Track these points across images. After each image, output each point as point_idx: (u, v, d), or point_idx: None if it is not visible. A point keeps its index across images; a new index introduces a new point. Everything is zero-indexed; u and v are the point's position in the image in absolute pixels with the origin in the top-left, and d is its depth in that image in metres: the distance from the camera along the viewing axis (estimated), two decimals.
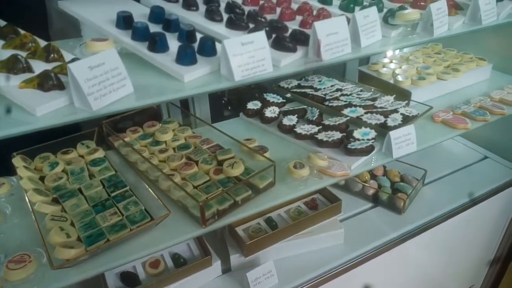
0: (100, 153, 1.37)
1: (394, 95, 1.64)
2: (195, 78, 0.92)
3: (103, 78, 0.78)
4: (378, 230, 1.64)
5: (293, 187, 1.22)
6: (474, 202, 1.86)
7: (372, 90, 1.75)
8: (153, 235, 1.08)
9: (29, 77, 0.82)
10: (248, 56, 0.90)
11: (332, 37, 0.99)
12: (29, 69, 0.85)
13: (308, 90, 1.74)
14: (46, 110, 0.76)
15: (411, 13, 1.12)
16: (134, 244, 1.05)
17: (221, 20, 1.12)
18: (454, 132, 1.50)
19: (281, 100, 1.69)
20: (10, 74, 0.83)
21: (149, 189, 1.18)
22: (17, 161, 1.27)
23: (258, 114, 1.62)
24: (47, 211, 1.10)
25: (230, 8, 1.17)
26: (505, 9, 1.35)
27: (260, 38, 0.92)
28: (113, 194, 1.17)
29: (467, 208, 1.83)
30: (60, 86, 0.80)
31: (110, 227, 1.04)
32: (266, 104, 1.66)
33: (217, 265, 1.39)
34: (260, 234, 1.43)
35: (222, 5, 1.23)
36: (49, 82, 0.79)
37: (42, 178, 1.26)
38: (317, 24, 0.96)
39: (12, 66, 0.83)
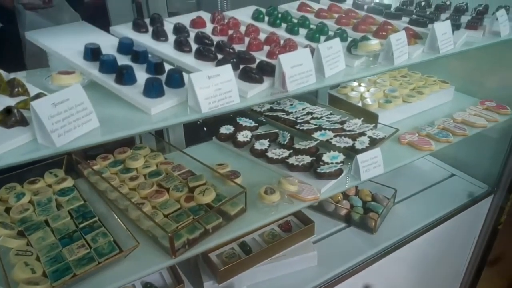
0: (68, 182, 1.34)
1: (362, 118, 1.70)
2: (163, 110, 0.93)
3: (68, 114, 0.78)
4: (351, 250, 1.67)
5: (265, 212, 1.23)
6: (444, 218, 1.92)
7: (341, 113, 1.81)
8: (122, 267, 1.06)
9: None
10: (214, 88, 0.92)
11: (297, 69, 1.03)
12: None
13: (280, 114, 1.78)
14: (8, 148, 0.75)
15: (373, 44, 1.17)
16: (102, 277, 1.03)
17: (190, 51, 1.14)
18: (420, 154, 1.55)
19: (253, 124, 1.72)
20: None
21: (118, 219, 1.17)
22: None
23: (231, 138, 1.64)
24: (12, 245, 1.07)
25: (199, 38, 1.20)
26: (461, 37, 1.43)
27: (226, 71, 0.94)
28: (81, 226, 1.15)
29: (437, 225, 1.89)
30: (23, 122, 0.80)
31: (77, 261, 1.02)
32: (238, 128, 1.68)
33: None
34: (234, 259, 1.43)
35: (192, 35, 1.25)
36: (11, 119, 0.78)
37: (8, 209, 1.23)
38: (282, 57, 1.00)
39: None
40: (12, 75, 1.00)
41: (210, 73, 0.92)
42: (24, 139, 0.78)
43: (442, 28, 1.30)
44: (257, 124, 1.74)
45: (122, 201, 1.25)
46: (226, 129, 1.67)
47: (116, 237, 1.12)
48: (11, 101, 0.88)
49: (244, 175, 1.43)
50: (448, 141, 1.61)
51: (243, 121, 1.71)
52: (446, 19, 1.56)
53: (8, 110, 0.79)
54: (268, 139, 1.58)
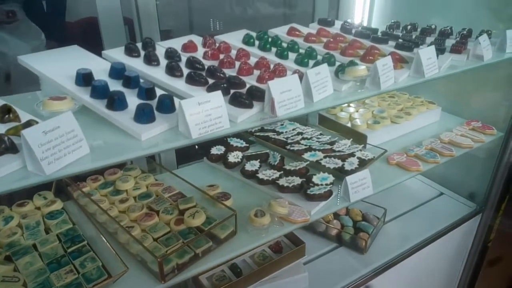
0: (58, 205, 1.34)
1: (351, 139, 1.72)
2: (153, 136, 0.94)
3: (58, 141, 0.78)
4: (342, 271, 1.67)
5: (255, 235, 1.23)
6: (433, 238, 1.94)
7: (331, 133, 1.83)
8: None
9: None
10: (205, 114, 0.94)
11: (286, 94, 1.05)
12: None
13: (270, 134, 1.80)
14: None
15: (360, 70, 1.20)
16: None
17: (181, 76, 1.16)
18: (408, 175, 1.58)
19: (244, 144, 1.73)
20: None
21: (107, 243, 1.16)
22: None
23: (222, 159, 1.65)
24: None
25: (190, 63, 1.22)
26: (446, 61, 1.48)
27: (217, 97, 0.96)
28: (69, 250, 1.14)
29: (427, 244, 1.91)
30: (14, 150, 0.80)
31: (65, 287, 1.01)
32: (229, 148, 1.70)
33: None
34: (224, 282, 1.42)
35: (183, 59, 1.28)
36: (1, 146, 0.79)
37: None
38: (271, 83, 1.02)
39: None
40: (2, 99, 1.01)
41: (200, 99, 0.93)
42: (14, 167, 0.78)
43: (427, 53, 1.34)
44: (248, 145, 1.75)
45: (111, 224, 1.24)
46: (217, 150, 1.68)
47: (105, 261, 1.11)
48: (1, 127, 0.88)
49: (234, 196, 1.43)
50: (436, 161, 1.64)
51: (234, 142, 1.72)
52: (431, 43, 1.61)
53: None
54: (259, 160, 1.59)
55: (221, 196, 1.41)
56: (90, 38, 1.72)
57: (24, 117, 0.93)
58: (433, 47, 1.38)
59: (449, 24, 1.85)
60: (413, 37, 1.72)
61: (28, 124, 0.85)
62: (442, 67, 1.43)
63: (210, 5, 2.20)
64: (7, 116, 0.90)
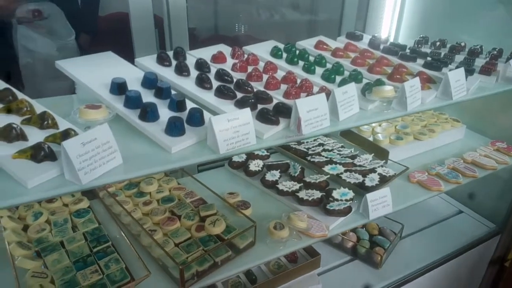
0: (84, 203, 1.39)
1: (373, 154, 1.72)
2: (182, 149, 0.97)
3: (94, 153, 0.82)
4: (355, 284, 1.68)
5: (273, 247, 1.26)
6: (450, 256, 1.92)
7: (352, 146, 1.83)
8: None
9: (23, 145, 0.86)
10: (233, 131, 0.96)
11: (312, 113, 1.07)
12: (23, 137, 0.89)
13: (291, 143, 1.82)
14: (37, 182, 0.80)
15: (387, 91, 1.20)
16: None
17: (210, 88, 1.19)
18: (429, 194, 1.57)
19: (265, 153, 1.76)
20: (5, 142, 0.87)
21: (131, 246, 1.20)
22: (2, 210, 1.28)
23: (243, 167, 1.67)
24: (28, 266, 1.11)
25: (220, 76, 1.25)
26: (474, 83, 1.46)
27: (245, 114, 0.98)
28: (95, 250, 1.19)
29: (443, 263, 1.89)
30: (52, 157, 0.84)
31: (90, 287, 1.06)
32: (251, 156, 1.72)
33: None
34: None
35: (213, 70, 1.31)
36: (41, 154, 0.83)
37: (25, 227, 1.28)
38: (299, 102, 1.03)
39: (7, 135, 0.87)
40: (38, 101, 1.05)
41: (229, 116, 0.96)
42: (52, 174, 0.82)
43: (456, 75, 1.33)
44: (268, 154, 1.77)
45: (135, 227, 1.29)
46: (238, 157, 1.71)
47: (127, 263, 1.15)
48: (41, 133, 0.93)
49: (254, 205, 1.46)
50: (458, 182, 1.62)
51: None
52: (461, 62, 1.60)
53: (38, 146, 0.84)
54: (279, 170, 1.61)
55: (241, 204, 1.44)
56: (120, 34, 1.77)
57: (61, 123, 0.98)
58: (462, 69, 1.37)
59: (478, 40, 1.83)
60: (442, 54, 1.71)
61: (67, 133, 0.89)
62: (471, 89, 1.42)
63: (236, 8, 2.24)
64: (46, 122, 0.95)
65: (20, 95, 1.04)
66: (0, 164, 0.83)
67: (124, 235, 1.26)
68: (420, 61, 1.58)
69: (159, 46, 1.80)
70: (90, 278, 1.08)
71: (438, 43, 1.84)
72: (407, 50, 1.67)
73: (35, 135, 0.92)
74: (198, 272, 1.13)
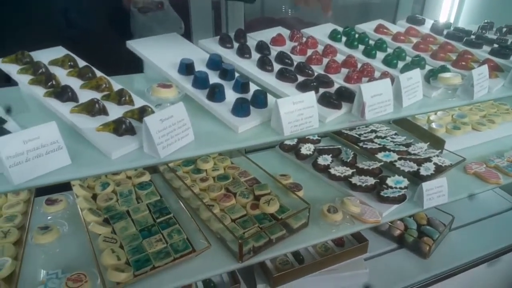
0: (146, 177, 1.47)
1: (428, 143, 1.68)
2: (248, 129, 1.00)
3: (171, 129, 0.88)
4: (401, 273, 1.68)
5: (326, 229, 1.28)
6: (501, 252, 1.86)
7: (406, 134, 1.80)
8: (191, 265, 1.16)
9: (104, 119, 0.93)
10: (297, 113, 0.98)
11: (376, 98, 1.06)
12: (104, 111, 0.96)
13: (343, 129, 1.81)
14: (120, 154, 0.86)
15: (453, 78, 1.17)
16: (173, 271, 1.13)
17: (271, 70, 1.21)
18: (486, 186, 1.53)
19: (316, 137, 1.77)
20: (89, 116, 0.94)
21: (192, 218, 1.27)
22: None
23: (294, 150, 1.70)
24: (99, 232, 1.20)
25: (280, 58, 1.26)
26: None
27: (309, 97, 1.00)
28: (158, 220, 1.27)
29: (493, 258, 1.84)
30: (132, 132, 0.90)
31: (156, 254, 1.14)
32: (302, 140, 1.74)
33: None
34: (287, 267, 1.50)
35: (273, 53, 1.32)
36: (123, 128, 0.89)
37: (94, 196, 1.38)
38: (364, 87, 1.03)
39: (91, 109, 0.94)
40: (113, 79, 1.12)
41: (295, 99, 0.98)
42: (132, 147, 0.88)
43: None
44: (319, 138, 1.78)
45: (194, 201, 1.36)
46: (290, 140, 1.73)
47: (187, 234, 1.22)
48: (118, 109, 0.99)
49: (305, 188, 1.48)
50: None
51: None
52: None
53: (120, 120, 0.90)
54: (331, 155, 1.62)
55: (293, 186, 1.47)
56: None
57: (136, 101, 1.04)
58: None
59: None
60: (509, 41, 1.61)
61: (143, 109, 0.95)
62: None
63: None
64: (123, 99, 1.01)
65: (98, 73, 1.11)
66: (86, 136, 0.90)
67: (184, 208, 1.33)
68: (486, 47, 1.51)
69: (215, 28, 1.83)
70: (155, 246, 1.16)
71: (504, 29, 1.74)
72: (472, 36, 1.60)
73: (114, 111, 0.98)
74: (254, 247, 1.18)
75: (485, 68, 1.22)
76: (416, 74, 1.15)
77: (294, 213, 1.26)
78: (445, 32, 1.58)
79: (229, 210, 1.31)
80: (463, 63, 1.35)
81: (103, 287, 1.01)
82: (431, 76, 1.23)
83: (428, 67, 1.33)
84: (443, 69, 1.26)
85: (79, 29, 1.67)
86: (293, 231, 1.26)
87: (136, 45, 1.25)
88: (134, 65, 1.30)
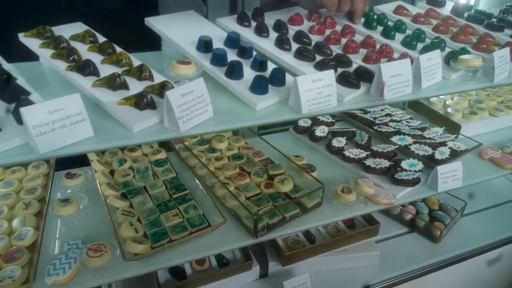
0: (162, 155, 1.50)
1: (444, 127, 1.67)
2: (266, 107, 1.01)
3: (191, 104, 0.89)
4: (412, 256, 1.69)
5: (339, 209, 1.29)
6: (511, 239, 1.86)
7: (422, 119, 1.79)
8: (206, 239, 1.19)
9: (125, 94, 0.95)
10: (316, 92, 0.98)
11: (396, 78, 1.05)
12: (125, 86, 0.97)
13: (357, 112, 1.80)
14: (141, 127, 0.88)
15: (474, 60, 1.15)
16: (189, 245, 1.16)
17: (289, 49, 1.21)
18: (501, 172, 1.52)
19: (330, 119, 1.76)
20: (110, 90, 0.96)
21: (208, 195, 1.29)
22: (92, 154, 1.42)
23: (308, 132, 1.70)
24: (117, 205, 1.23)
25: (298, 37, 1.25)
26: None
27: (329, 76, 0.99)
28: (174, 196, 1.30)
29: (504, 244, 1.84)
30: (153, 106, 0.92)
31: (173, 228, 1.16)
32: (316, 122, 1.74)
33: (256, 270, 1.49)
34: (298, 246, 1.52)
35: (291, 32, 1.31)
36: (144, 102, 0.91)
37: (111, 172, 1.41)
38: (383, 67, 1.03)
39: (112, 83, 0.96)
40: (133, 55, 1.13)
41: (314, 77, 0.98)
42: (153, 121, 0.90)
43: None
44: (334, 120, 1.78)
45: (209, 178, 1.38)
46: (304, 122, 1.73)
47: (203, 210, 1.25)
48: (139, 84, 1.01)
49: (319, 169, 1.49)
50: None
51: (321, 116, 1.76)
52: None
53: (141, 95, 0.91)
54: (345, 137, 1.62)
55: (307, 167, 1.48)
56: None
57: (156, 76, 1.05)
58: None
59: None
60: None
61: (164, 85, 0.96)
62: None
63: None
64: (144, 74, 1.02)
65: (118, 49, 1.12)
66: (107, 109, 0.92)
67: (200, 185, 1.36)
68: (508, 31, 1.47)
69: (231, 7, 1.82)
70: (172, 220, 1.19)
71: None
72: (493, 19, 1.56)
73: (134, 85, 0.99)
74: (268, 224, 1.20)
75: (506, 51, 1.20)
76: (436, 55, 1.14)
77: (308, 192, 1.28)
78: (465, 14, 1.55)
79: (243, 188, 1.33)
80: (484, 46, 1.32)
81: (123, 257, 1.04)
82: (451, 58, 1.21)
83: (447, 49, 1.31)
84: (464, 51, 1.24)
85: (96, 6, 1.68)
86: (306, 210, 1.28)
87: (155, 22, 1.26)
88: (150, 43, 1.30)
